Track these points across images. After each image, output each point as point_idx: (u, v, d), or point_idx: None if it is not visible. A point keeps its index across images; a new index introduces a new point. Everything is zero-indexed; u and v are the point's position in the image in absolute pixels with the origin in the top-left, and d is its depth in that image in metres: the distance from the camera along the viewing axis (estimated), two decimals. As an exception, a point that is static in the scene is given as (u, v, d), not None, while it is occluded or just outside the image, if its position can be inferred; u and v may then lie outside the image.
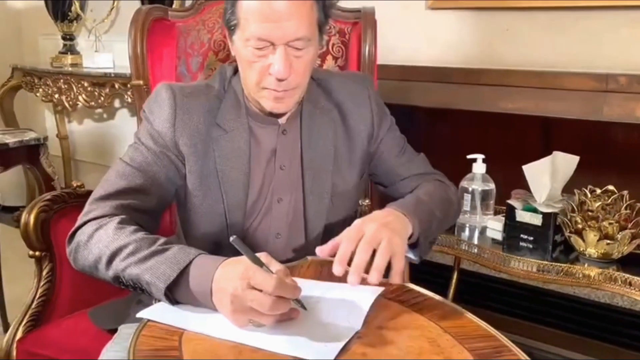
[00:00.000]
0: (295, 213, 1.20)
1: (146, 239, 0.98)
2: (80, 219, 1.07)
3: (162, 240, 0.98)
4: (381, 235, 0.92)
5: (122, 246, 0.97)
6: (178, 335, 0.85)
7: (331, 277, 1.06)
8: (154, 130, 1.13)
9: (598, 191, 1.24)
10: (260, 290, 0.84)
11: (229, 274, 0.87)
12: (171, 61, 1.72)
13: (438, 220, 1.14)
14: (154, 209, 1.13)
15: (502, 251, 1.32)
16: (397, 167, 1.26)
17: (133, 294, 1.31)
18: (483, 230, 1.44)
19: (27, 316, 1.34)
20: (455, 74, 1.88)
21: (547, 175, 1.29)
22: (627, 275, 1.16)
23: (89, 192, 1.46)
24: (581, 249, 1.24)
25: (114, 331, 1.18)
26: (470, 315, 0.94)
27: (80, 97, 2.78)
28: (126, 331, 1.13)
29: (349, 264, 0.92)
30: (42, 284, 1.38)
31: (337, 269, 0.91)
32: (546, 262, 1.23)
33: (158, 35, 1.70)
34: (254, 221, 1.19)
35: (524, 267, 1.25)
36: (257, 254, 0.88)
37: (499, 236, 1.40)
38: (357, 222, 0.98)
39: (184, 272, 0.91)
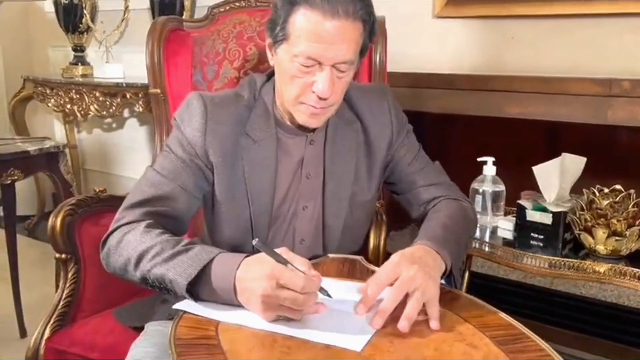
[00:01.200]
0: (317, 220, 1.24)
1: (171, 240, 1.03)
2: (112, 226, 1.12)
3: (185, 241, 1.03)
4: (416, 281, 0.93)
5: (149, 248, 1.02)
6: (214, 325, 0.90)
7: (352, 275, 1.11)
8: (185, 138, 1.17)
9: (605, 190, 1.29)
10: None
11: (255, 274, 0.91)
12: (186, 70, 1.77)
13: (465, 245, 1.17)
14: (183, 215, 1.17)
15: (514, 249, 1.36)
16: (411, 174, 1.27)
17: (156, 295, 1.36)
18: (494, 231, 1.48)
19: (54, 316, 1.37)
20: (462, 81, 1.93)
21: (557, 176, 1.34)
22: (636, 270, 1.20)
23: (111, 197, 1.54)
24: (590, 246, 1.28)
25: (139, 329, 1.22)
26: (488, 307, 0.99)
27: (92, 107, 2.83)
28: (153, 328, 1.17)
29: None
30: (67, 285, 1.41)
31: (361, 310, 0.93)
32: (558, 258, 1.27)
33: (174, 45, 1.75)
34: (280, 227, 1.23)
35: (536, 263, 1.29)
36: (278, 250, 0.93)
37: (509, 235, 1.44)
38: (394, 259, 0.98)
39: (205, 270, 0.95)
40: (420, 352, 0.84)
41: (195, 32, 1.80)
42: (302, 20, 1.05)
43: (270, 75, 1.26)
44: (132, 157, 3.26)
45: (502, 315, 0.96)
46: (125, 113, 3.19)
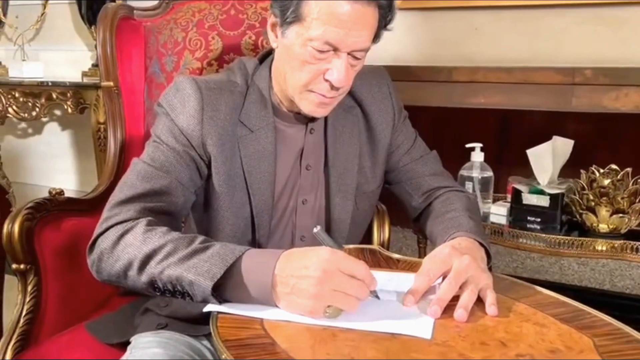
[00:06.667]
0: (319, 214, 1.16)
1: (183, 237, 0.91)
2: (100, 226, 0.98)
3: (200, 238, 0.92)
4: (469, 272, 0.88)
5: (157, 248, 0.90)
6: (258, 323, 0.80)
7: (378, 265, 1.04)
8: (176, 127, 1.06)
9: (601, 170, 1.31)
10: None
11: (308, 261, 0.82)
12: (139, 61, 1.65)
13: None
14: (179, 211, 1.06)
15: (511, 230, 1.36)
16: (410, 163, 1.23)
17: (130, 305, 1.23)
18: (485, 217, 1.47)
19: (15, 336, 1.20)
20: (425, 72, 1.91)
21: (549, 159, 1.35)
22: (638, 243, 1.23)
23: (70, 200, 1.38)
24: (593, 225, 1.30)
25: (120, 344, 1.10)
26: (530, 285, 0.96)
27: (10, 109, 2.55)
28: (143, 339, 1.06)
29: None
30: (27, 299, 1.24)
31: (409, 301, 0.87)
32: (562, 237, 1.28)
33: (126, 35, 1.62)
34: (279, 223, 1.14)
35: (537, 243, 1.29)
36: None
37: (503, 221, 1.43)
38: (443, 250, 0.93)
39: (232, 269, 0.85)
40: (492, 334, 0.79)
41: (148, 21, 1.68)
42: (322, 1, 0.97)
43: (262, 59, 1.18)
44: (53, 165, 2.98)
45: (550, 292, 0.93)
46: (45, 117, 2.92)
